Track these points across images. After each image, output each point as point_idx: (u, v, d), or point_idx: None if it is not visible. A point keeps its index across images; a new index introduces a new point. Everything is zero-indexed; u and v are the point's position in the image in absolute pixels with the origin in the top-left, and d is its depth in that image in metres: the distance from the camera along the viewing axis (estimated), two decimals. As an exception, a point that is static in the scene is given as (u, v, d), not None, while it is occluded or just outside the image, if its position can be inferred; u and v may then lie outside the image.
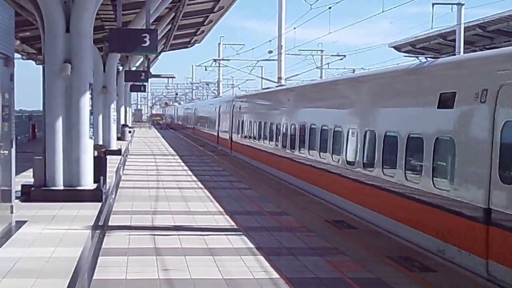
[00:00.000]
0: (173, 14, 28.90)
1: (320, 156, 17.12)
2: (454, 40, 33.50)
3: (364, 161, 13.85)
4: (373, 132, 13.30)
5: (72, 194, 14.86)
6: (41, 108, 16.14)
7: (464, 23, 32.84)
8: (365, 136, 13.75)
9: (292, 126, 20.34)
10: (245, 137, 28.93)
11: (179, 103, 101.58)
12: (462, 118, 9.91)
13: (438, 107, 10.55)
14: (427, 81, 11.53)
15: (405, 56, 41.69)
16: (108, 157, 17.97)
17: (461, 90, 9.96)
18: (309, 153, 18.20)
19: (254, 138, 26.72)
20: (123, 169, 23.24)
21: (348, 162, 14.84)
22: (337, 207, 14.84)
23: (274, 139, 22.85)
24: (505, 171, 8.63)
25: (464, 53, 30.63)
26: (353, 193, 14.34)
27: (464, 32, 32.93)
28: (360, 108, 14.97)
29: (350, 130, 14.71)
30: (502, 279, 8.51)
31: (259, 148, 25.70)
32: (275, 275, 8.65)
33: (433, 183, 10.50)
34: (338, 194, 15.40)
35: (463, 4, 32.81)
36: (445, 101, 10.31)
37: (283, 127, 21.63)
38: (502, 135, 8.77)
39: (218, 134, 38.41)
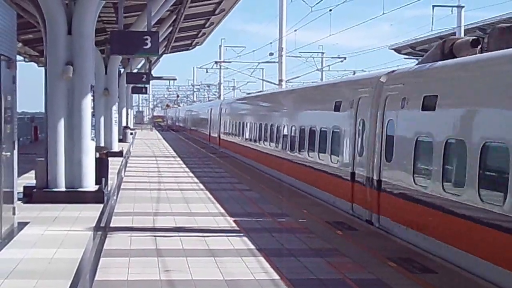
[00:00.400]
0: (175, 16, 28.92)
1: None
2: (455, 42, 33.46)
3: (298, 147, 19.21)
4: (303, 127, 18.80)
5: (74, 196, 14.91)
6: (43, 110, 16.19)
7: (464, 26, 32.83)
8: (299, 130, 19.11)
9: (255, 125, 26.94)
10: (229, 134, 34.70)
11: (179, 105, 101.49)
12: (343, 118, 15.34)
13: (334, 111, 16.01)
14: (330, 94, 17.42)
15: (405, 58, 41.64)
16: (109, 158, 18.02)
17: (344, 100, 15.49)
18: (260, 141, 25.41)
19: (234, 135, 32.64)
20: (125, 171, 23.26)
21: (284, 148, 21.40)
22: (276, 178, 21.28)
23: (247, 135, 28.68)
24: (360, 148, 14.00)
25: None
26: (288, 169, 20.40)
27: (464, 34, 32.85)
28: (293, 111, 21.20)
29: (286, 126, 21.15)
30: (359, 213, 13.76)
31: (237, 143, 31.11)
32: (276, 276, 8.70)
33: (331, 160, 16.08)
34: (276, 169, 22.02)
35: (463, 7, 32.81)
36: (337, 107, 15.83)
37: (249, 126, 28.16)
38: (359, 128, 14.17)
39: (209, 133, 44.15)
